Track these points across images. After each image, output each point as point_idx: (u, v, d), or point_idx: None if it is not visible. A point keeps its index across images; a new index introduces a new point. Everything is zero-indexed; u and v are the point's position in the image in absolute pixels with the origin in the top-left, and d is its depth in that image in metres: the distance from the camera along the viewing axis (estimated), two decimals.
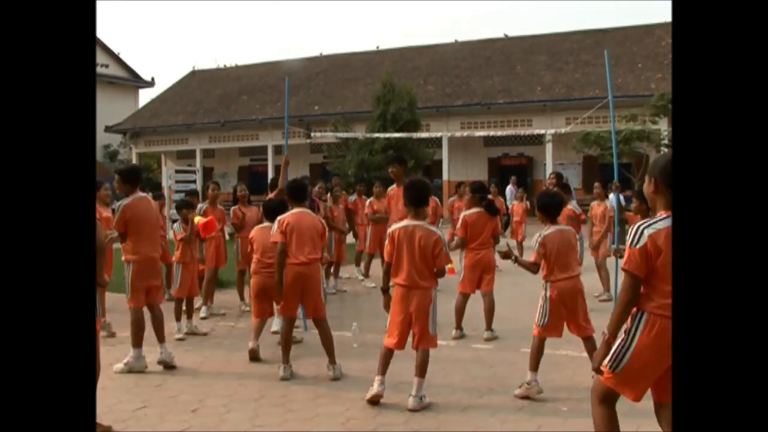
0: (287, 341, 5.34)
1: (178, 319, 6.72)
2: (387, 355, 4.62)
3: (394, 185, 7.68)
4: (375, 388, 4.53)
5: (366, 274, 10.23)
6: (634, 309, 2.88)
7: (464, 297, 6.59)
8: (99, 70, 33.60)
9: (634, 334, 2.84)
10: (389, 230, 4.73)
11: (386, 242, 4.61)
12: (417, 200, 4.55)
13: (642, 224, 2.85)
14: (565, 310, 4.79)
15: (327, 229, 5.23)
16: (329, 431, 4.14)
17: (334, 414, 4.40)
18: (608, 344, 2.92)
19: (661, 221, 2.83)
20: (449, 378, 5.21)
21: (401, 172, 7.53)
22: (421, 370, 4.49)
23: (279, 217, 5.37)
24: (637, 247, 2.80)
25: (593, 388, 3.05)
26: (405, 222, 4.56)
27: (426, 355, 4.55)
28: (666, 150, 18.84)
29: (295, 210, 5.38)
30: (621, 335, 2.90)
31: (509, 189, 18.93)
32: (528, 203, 13.21)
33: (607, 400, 2.98)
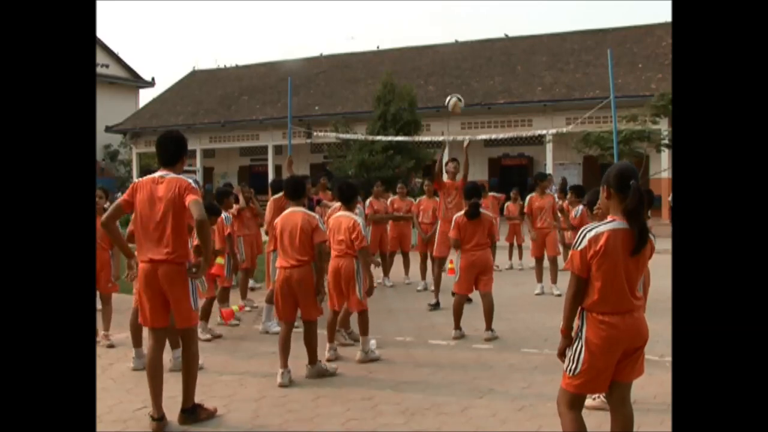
0: (285, 346, 5.10)
1: (204, 318, 6.71)
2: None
3: (446, 180, 8.67)
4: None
5: None
6: (580, 309, 3.10)
7: (461, 298, 6.60)
8: (99, 70, 33.55)
9: (582, 334, 3.05)
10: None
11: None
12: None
13: (585, 228, 3.10)
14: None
15: (315, 227, 5.16)
16: (329, 431, 4.14)
17: (334, 414, 4.39)
18: (563, 334, 3.15)
19: (605, 224, 3.06)
20: (449, 378, 5.20)
21: (457, 169, 8.67)
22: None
23: (276, 220, 5.39)
24: (578, 249, 3.05)
25: (558, 399, 3.21)
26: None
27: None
28: (666, 150, 18.85)
29: (289, 210, 5.34)
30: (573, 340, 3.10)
31: None
32: (522, 204, 13.13)
33: (576, 405, 3.15)
